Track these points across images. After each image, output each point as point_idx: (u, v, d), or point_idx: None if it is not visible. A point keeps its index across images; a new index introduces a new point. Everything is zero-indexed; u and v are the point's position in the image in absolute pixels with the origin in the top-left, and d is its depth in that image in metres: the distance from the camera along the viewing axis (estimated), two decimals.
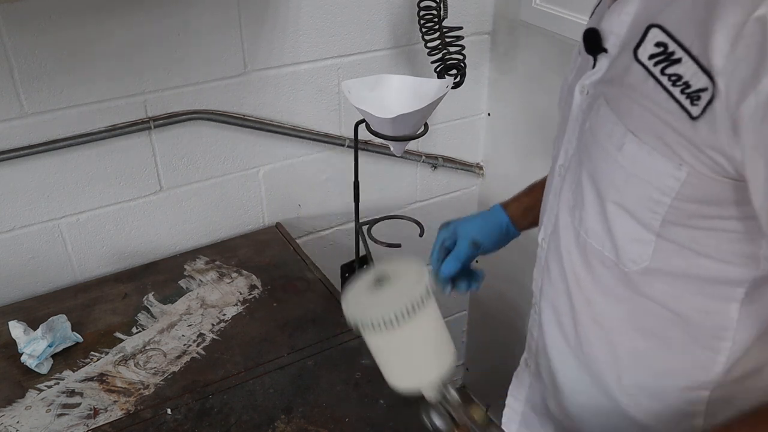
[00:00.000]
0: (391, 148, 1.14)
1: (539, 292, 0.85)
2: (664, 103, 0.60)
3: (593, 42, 0.69)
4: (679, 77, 0.58)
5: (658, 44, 0.60)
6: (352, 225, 1.30)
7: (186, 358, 1.16)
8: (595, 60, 0.70)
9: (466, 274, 1.02)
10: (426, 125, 1.09)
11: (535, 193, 1.00)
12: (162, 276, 1.36)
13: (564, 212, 0.76)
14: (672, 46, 0.59)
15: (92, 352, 1.17)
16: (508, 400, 0.99)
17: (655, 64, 0.60)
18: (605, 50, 0.68)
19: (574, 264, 0.75)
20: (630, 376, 0.75)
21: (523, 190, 1.05)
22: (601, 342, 0.76)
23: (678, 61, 0.58)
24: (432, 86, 1.10)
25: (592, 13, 0.78)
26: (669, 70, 0.59)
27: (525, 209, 1.01)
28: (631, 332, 0.73)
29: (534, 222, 0.97)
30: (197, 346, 1.18)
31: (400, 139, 1.07)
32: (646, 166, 0.62)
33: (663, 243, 0.65)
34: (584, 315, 0.76)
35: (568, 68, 0.80)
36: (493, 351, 2.07)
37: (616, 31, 0.67)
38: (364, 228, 1.24)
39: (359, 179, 1.21)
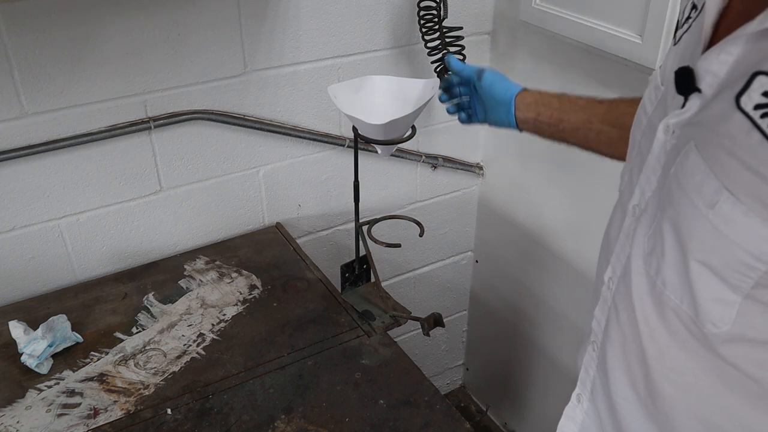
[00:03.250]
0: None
1: (602, 332, 0.80)
2: None
3: (686, 81, 0.63)
4: None
5: (766, 94, 0.54)
6: (352, 225, 1.30)
7: (186, 358, 1.16)
8: (685, 99, 0.64)
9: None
10: (413, 128, 1.09)
11: (555, 93, 1.08)
12: (162, 276, 1.36)
13: (637, 257, 0.71)
14: None
15: (92, 352, 1.17)
16: None
17: (763, 116, 0.54)
18: (699, 90, 0.62)
19: (646, 313, 0.71)
20: None
21: (550, 91, 1.11)
22: (674, 397, 0.71)
23: None
24: (418, 86, 1.09)
25: (681, 35, 0.71)
26: None
27: (535, 100, 1.09)
28: (708, 390, 0.68)
29: (536, 117, 1.09)
30: (197, 346, 1.18)
31: (389, 143, 1.07)
32: (740, 228, 0.57)
33: (750, 304, 0.60)
34: (657, 368, 0.71)
35: (646, 94, 0.75)
36: (493, 351, 2.07)
37: (714, 71, 0.60)
38: (364, 228, 1.24)
39: (359, 179, 1.21)
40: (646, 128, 0.73)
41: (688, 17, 0.69)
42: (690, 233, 0.62)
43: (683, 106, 0.64)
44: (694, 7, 0.68)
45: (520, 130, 1.12)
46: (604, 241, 0.82)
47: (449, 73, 1.23)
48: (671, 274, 0.66)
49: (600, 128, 1.02)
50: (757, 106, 0.55)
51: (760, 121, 0.54)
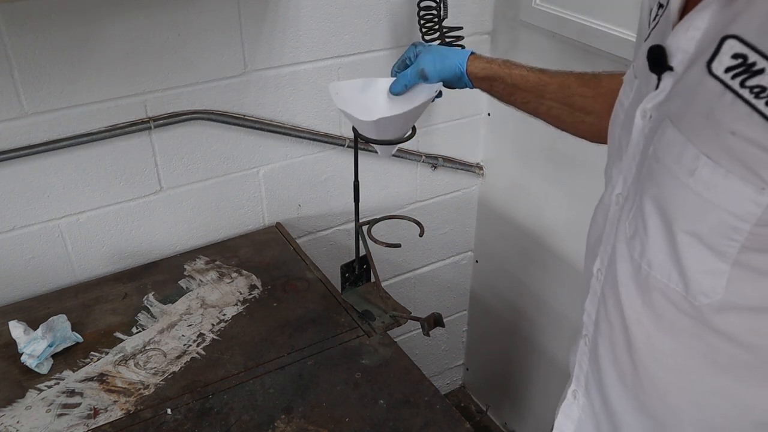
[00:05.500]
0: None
1: (593, 325, 0.81)
2: (745, 118, 0.55)
3: (658, 60, 0.64)
4: (763, 89, 0.53)
5: (735, 56, 0.55)
6: (352, 225, 1.30)
7: (186, 358, 1.16)
8: (658, 80, 0.66)
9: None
10: (414, 129, 1.09)
11: (507, 66, 1.07)
12: (162, 276, 1.36)
13: (621, 243, 0.72)
14: (753, 57, 0.54)
15: (92, 352, 1.17)
16: None
17: (734, 77, 0.55)
18: (671, 68, 0.63)
19: (631, 299, 0.72)
20: (696, 419, 0.71)
21: (500, 59, 1.09)
22: (665, 380, 0.71)
23: (761, 71, 0.54)
24: (421, 90, 1.09)
25: (650, 31, 0.72)
26: (750, 82, 0.54)
27: (486, 75, 1.07)
28: (698, 371, 0.68)
29: (490, 89, 1.08)
30: (197, 346, 1.18)
31: (386, 143, 1.07)
32: (721, 190, 0.58)
33: (738, 271, 0.61)
34: (644, 354, 0.72)
35: (622, 91, 0.77)
36: (493, 351, 2.07)
37: (684, 47, 0.62)
38: (364, 228, 1.24)
39: (359, 179, 1.21)
40: (624, 121, 0.74)
41: (656, 15, 0.71)
42: (674, 205, 0.63)
43: (657, 87, 0.66)
44: (660, 5, 0.70)
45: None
46: (590, 234, 0.83)
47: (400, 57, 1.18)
48: (656, 253, 0.67)
49: (550, 104, 1.04)
50: (728, 69, 0.56)
51: (731, 82, 0.56)
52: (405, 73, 1.09)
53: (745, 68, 0.55)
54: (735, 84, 0.55)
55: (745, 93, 0.55)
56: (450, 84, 1.10)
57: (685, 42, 0.62)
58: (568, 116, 1.03)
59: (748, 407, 0.67)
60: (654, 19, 0.71)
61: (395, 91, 1.10)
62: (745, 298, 0.62)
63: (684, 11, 0.64)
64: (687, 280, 0.65)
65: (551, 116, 1.05)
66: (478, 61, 1.07)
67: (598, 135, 1.01)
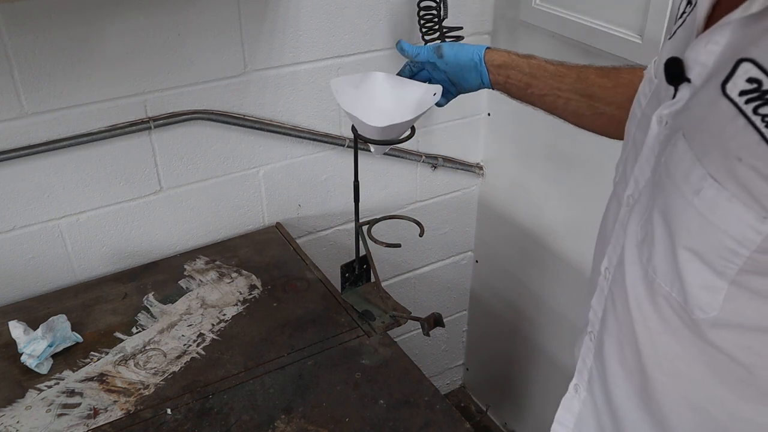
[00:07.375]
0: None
1: (599, 322, 0.81)
2: (753, 146, 0.54)
3: (676, 71, 0.64)
4: None
5: (750, 80, 0.55)
6: (352, 225, 1.30)
7: (186, 358, 1.16)
8: (675, 90, 0.65)
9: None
10: (413, 129, 1.09)
11: (525, 56, 1.05)
12: (162, 276, 1.36)
13: (631, 245, 0.72)
14: (767, 83, 0.54)
15: (92, 352, 1.17)
16: (555, 427, 0.94)
17: (747, 101, 0.55)
18: (688, 80, 0.63)
19: (640, 301, 0.72)
20: (695, 424, 0.71)
21: (519, 53, 1.08)
22: (666, 385, 0.72)
23: None
24: (418, 91, 1.09)
25: (675, 29, 0.72)
26: (763, 110, 0.54)
27: (504, 62, 1.05)
28: (699, 379, 0.69)
29: (506, 81, 1.05)
30: (197, 346, 1.18)
31: (385, 143, 1.07)
32: (724, 213, 0.58)
33: (736, 290, 0.61)
34: (650, 355, 0.72)
35: (641, 88, 0.76)
36: (493, 351, 2.07)
37: (702, 61, 0.61)
38: (364, 228, 1.24)
39: (359, 179, 1.21)
40: (641, 120, 0.74)
41: (683, 12, 0.70)
42: (678, 220, 0.63)
43: (674, 96, 0.65)
44: (689, 2, 0.69)
45: (493, 88, 1.10)
46: (600, 232, 0.83)
47: (407, 62, 1.19)
48: (661, 262, 0.67)
49: (568, 96, 1.02)
50: (742, 93, 0.55)
51: (744, 107, 0.55)
52: (420, 49, 1.08)
53: (759, 94, 0.54)
54: (748, 109, 0.55)
55: (757, 121, 0.54)
56: (465, 77, 1.08)
57: (704, 56, 0.61)
58: (587, 109, 1.01)
59: (745, 420, 0.67)
60: (680, 17, 0.70)
61: (402, 49, 1.09)
62: (742, 317, 0.62)
63: (710, 21, 0.63)
64: (686, 294, 0.65)
65: (569, 111, 1.03)
66: (495, 51, 1.07)
67: (618, 128, 0.96)
